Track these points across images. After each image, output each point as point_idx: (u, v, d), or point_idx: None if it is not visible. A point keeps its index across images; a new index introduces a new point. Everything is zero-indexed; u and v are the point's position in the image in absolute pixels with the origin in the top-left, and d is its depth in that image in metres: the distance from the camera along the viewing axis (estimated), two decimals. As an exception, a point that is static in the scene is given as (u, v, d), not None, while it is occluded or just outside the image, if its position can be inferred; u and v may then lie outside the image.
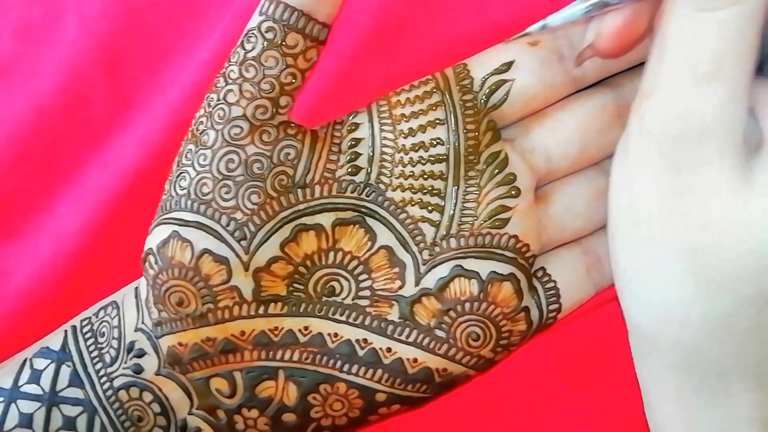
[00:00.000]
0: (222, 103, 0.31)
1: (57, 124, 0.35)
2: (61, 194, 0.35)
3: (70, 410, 0.33)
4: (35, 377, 0.33)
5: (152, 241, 0.31)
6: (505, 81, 0.31)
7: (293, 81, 0.31)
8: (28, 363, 0.33)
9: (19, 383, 0.33)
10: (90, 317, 0.34)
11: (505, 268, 0.31)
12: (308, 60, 0.31)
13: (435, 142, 0.31)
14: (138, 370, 0.32)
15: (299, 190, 0.31)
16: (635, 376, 0.31)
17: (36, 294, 0.35)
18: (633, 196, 0.27)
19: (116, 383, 0.32)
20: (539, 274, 0.33)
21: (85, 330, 0.33)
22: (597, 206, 0.32)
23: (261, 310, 0.31)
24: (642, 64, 0.31)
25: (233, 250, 0.30)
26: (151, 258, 0.31)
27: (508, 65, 0.31)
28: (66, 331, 0.34)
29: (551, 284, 0.32)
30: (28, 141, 0.35)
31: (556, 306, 0.32)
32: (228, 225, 0.30)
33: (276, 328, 0.31)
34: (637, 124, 0.27)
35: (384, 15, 0.33)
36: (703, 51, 0.25)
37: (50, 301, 0.35)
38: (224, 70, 0.31)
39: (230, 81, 0.31)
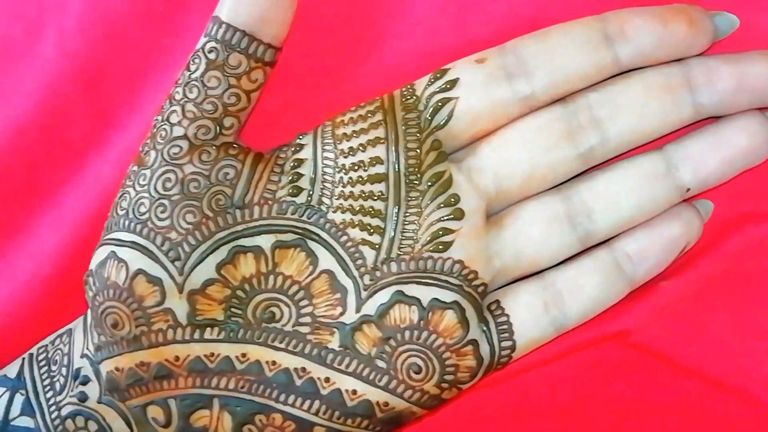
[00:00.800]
0: (165, 124, 0.31)
1: (35, 143, 0.35)
2: (39, 214, 0.36)
3: None
4: None
5: (93, 262, 0.31)
6: (449, 99, 0.30)
7: (237, 102, 0.30)
8: None
9: None
10: (47, 345, 0.34)
11: (448, 296, 0.29)
12: (253, 81, 0.31)
13: (374, 161, 0.30)
14: (83, 398, 0.32)
15: (237, 211, 0.30)
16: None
17: (12, 315, 0.35)
18: None
19: (63, 412, 0.32)
20: (492, 307, 0.30)
21: (40, 358, 0.33)
22: (555, 233, 0.30)
23: (196, 335, 0.30)
24: (597, 83, 0.30)
25: (167, 270, 0.30)
26: (90, 279, 0.31)
27: (453, 83, 0.30)
28: (24, 359, 0.34)
29: (503, 318, 0.30)
30: (6, 161, 0.35)
31: (509, 343, 0.30)
32: (162, 245, 0.30)
33: (212, 354, 0.30)
34: None
35: (361, 29, 0.33)
36: None
37: (27, 322, 0.35)
38: (171, 92, 0.31)
39: (174, 102, 0.31)
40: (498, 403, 0.34)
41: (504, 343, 0.30)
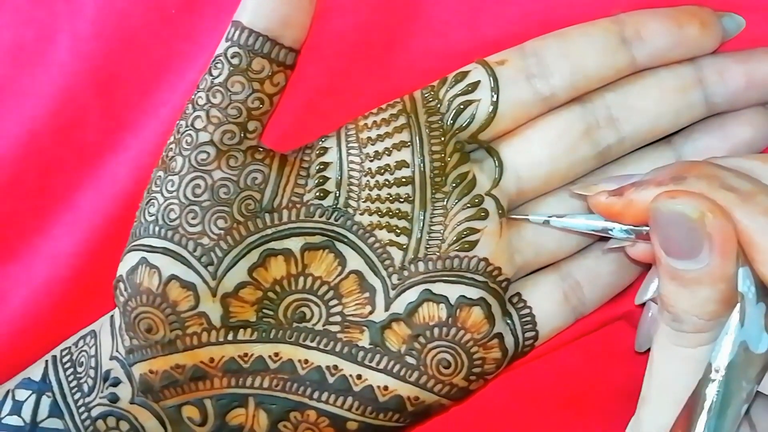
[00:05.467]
0: (190, 129, 0.31)
1: (50, 146, 0.35)
2: (55, 217, 0.36)
3: None
4: (17, 408, 0.33)
5: (122, 268, 0.31)
6: (471, 101, 0.31)
7: (260, 106, 0.31)
8: (10, 394, 0.33)
9: (1, 415, 0.33)
10: (70, 347, 0.34)
11: (474, 293, 0.31)
12: (275, 85, 0.31)
13: (400, 165, 0.31)
14: (114, 399, 0.32)
15: (267, 215, 0.31)
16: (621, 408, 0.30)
17: (31, 317, 0.35)
18: None
19: (94, 413, 0.32)
20: (514, 300, 0.32)
21: (65, 360, 0.34)
22: None
23: (230, 337, 0.31)
24: (614, 81, 0.31)
25: (200, 275, 0.30)
26: (121, 285, 0.31)
27: (475, 85, 0.31)
28: (47, 361, 0.34)
29: (526, 311, 0.31)
30: (22, 164, 0.35)
31: (532, 333, 0.31)
32: (195, 250, 0.30)
33: (246, 355, 0.31)
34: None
35: (374, 30, 0.33)
36: (678, 380, 0.27)
37: (45, 324, 0.35)
38: (193, 96, 0.31)
39: (198, 107, 0.31)
40: (508, 389, 0.35)
41: (528, 334, 0.31)
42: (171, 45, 0.34)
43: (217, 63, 0.31)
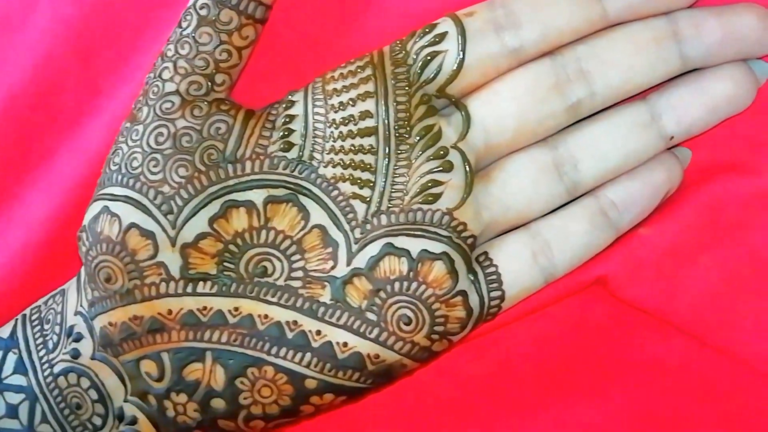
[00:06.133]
0: (157, 80, 0.31)
1: (27, 111, 0.35)
2: (31, 182, 0.36)
3: (13, 398, 0.32)
4: None
5: (86, 217, 0.31)
6: (438, 53, 0.30)
7: (228, 58, 0.31)
8: None
9: None
10: (40, 305, 0.34)
11: (437, 247, 0.30)
12: (244, 38, 0.31)
13: (364, 115, 0.30)
14: (75, 354, 0.32)
15: (230, 165, 0.30)
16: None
17: (5, 283, 0.35)
18: None
19: (56, 369, 0.32)
20: (481, 258, 0.31)
21: (33, 317, 0.33)
22: (543, 184, 0.31)
23: (189, 289, 0.30)
24: (586, 36, 0.30)
25: (160, 224, 0.30)
26: (83, 235, 0.31)
27: (442, 36, 0.30)
28: (17, 319, 0.34)
29: (492, 269, 0.30)
30: (2, 130, 0.35)
31: (498, 293, 0.30)
32: (155, 199, 0.30)
33: (204, 308, 0.30)
34: None
35: None
36: None
37: (20, 288, 0.35)
38: (163, 49, 0.31)
39: (166, 58, 0.31)
40: (481, 359, 0.34)
41: (493, 293, 0.30)
42: (148, 10, 0.35)
43: (186, 15, 0.31)
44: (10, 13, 0.36)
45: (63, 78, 0.35)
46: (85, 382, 0.32)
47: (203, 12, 0.31)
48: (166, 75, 0.31)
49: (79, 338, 0.32)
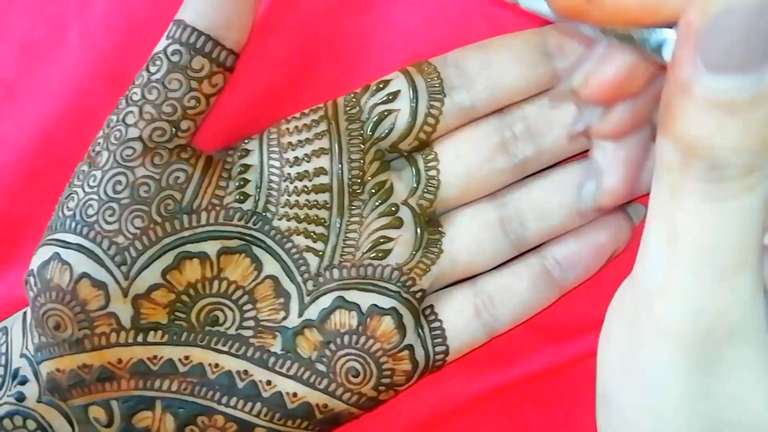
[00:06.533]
0: (119, 124, 0.31)
1: (62, 144, 0.34)
2: None
3: None
4: None
5: (35, 262, 0.31)
6: (391, 111, 0.31)
7: (197, 105, 0.31)
8: None
9: None
10: None
11: (386, 302, 0.31)
12: (213, 86, 0.31)
13: (319, 172, 0.31)
14: (20, 397, 0.32)
15: (185, 216, 0.31)
16: None
17: None
18: (654, 398, 0.23)
19: (0, 412, 0.32)
20: (427, 312, 0.32)
21: None
22: (489, 240, 0.32)
23: (140, 338, 0.30)
24: (535, 95, 0.31)
25: (113, 275, 0.30)
26: (32, 279, 0.31)
27: (395, 95, 0.31)
28: None
29: (437, 323, 0.31)
30: (36, 162, 0.35)
31: (442, 348, 0.31)
32: (109, 249, 0.30)
33: (155, 357, 0.31)
34: (651, 326, 0.22)
35: (312, 42, 0.33)
36: (725, 244, 0.21)
37: None
38: (127, 92, 0.31)
39: (131, 102, 0.31)
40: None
41: (438, 348, 0.31)
42: None
43: (155, 60, 0.31)
44: (39, 43, 0.35)
45: (96, 109, 0.34)
46: (31, 424, 0.32)
47: (175, 58, 0.30)
48: (130, 120, 0.31)
49: (24, 381, 0.32)
